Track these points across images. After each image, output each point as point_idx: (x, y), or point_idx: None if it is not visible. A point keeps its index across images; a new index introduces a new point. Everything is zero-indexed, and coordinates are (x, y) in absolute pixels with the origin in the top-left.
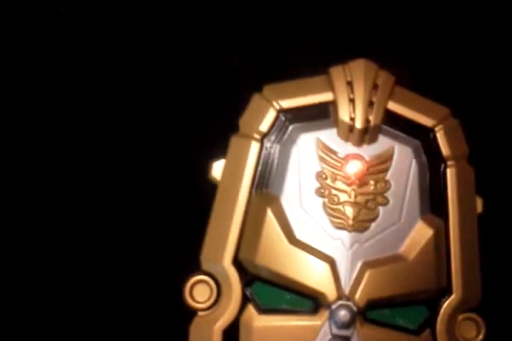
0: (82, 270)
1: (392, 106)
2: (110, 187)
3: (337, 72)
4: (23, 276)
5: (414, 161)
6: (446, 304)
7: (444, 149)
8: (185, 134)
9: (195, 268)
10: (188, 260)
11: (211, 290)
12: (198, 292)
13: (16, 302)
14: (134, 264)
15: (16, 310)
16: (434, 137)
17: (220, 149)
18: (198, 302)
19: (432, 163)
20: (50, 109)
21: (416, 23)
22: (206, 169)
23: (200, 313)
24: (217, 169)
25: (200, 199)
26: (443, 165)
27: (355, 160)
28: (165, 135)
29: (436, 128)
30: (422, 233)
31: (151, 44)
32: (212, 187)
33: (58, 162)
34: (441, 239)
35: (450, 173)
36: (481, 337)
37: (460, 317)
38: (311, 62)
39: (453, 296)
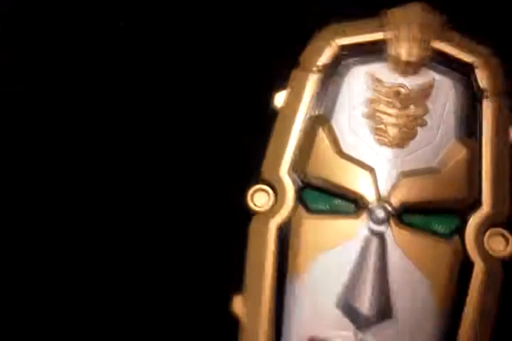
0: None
1: (437, 44)
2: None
3: (392, 14)
4: (53, 273)
5: (453, 90)
6: (476, 215)
7: (482, 82)
8: (253, 72)
9: (257, 178)
10: (252, 171)
11: (269, 196)
12: (258, 198)
13: (37, 299)
14: (208, 176)
15: (36, 307)
16: (473, 71)
17: (282, 82)
18: (258, 206)
19: (469, 94)
20: (107, 113)
21: None
22: (270, 99)
23: (256, 215)
24: (279, 99)
25: (263, 125)
26: (480, 97)
27: (399, 88)
28: (235, 71)
29: (476, 64)
30: (455, 151)
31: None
32: (274, 114)
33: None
34: (473, 157)
35: (486, 104)
36: (509, 249)
37: (489, 230)
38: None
39: (482, 208)
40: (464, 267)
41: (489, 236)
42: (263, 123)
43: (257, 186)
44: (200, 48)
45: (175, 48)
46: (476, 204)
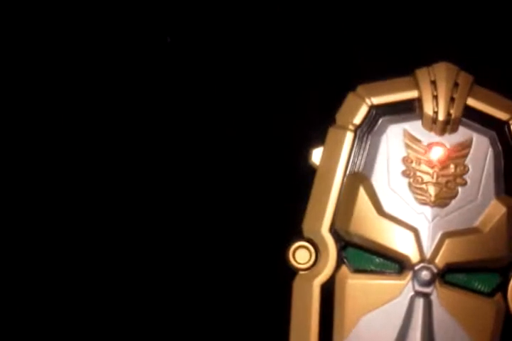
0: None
1: (471, 101)
2: (220, 169)
3: (422, 73)
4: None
5: (490, 149)
6: None
7: None
8: (290, 128)
9: (298, 235)
10: (292, 229)
11: (310, 253)
12: (300, 255)
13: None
14: (251, 232)
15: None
16: (509, 129)
17: (318, 140)
18: (299, 263)
19: (506, 151)
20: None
21: (490, 25)
22: (307, 156)
23: (301, 272)
24: (316, 155)
25: (301, 181)
26: None
27: (437, 147)
28: (273, 127)
29: (511, 122)
30: (496, 210)
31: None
32: (311, 171)
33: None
34: None
35: None
36: None
37: None
38: (395, 66)
39: None
40: (506, 324)
41: None
42: (301, 179)
43: (299, 243)
44: (241, 104)
45: (214, 104)
46: None
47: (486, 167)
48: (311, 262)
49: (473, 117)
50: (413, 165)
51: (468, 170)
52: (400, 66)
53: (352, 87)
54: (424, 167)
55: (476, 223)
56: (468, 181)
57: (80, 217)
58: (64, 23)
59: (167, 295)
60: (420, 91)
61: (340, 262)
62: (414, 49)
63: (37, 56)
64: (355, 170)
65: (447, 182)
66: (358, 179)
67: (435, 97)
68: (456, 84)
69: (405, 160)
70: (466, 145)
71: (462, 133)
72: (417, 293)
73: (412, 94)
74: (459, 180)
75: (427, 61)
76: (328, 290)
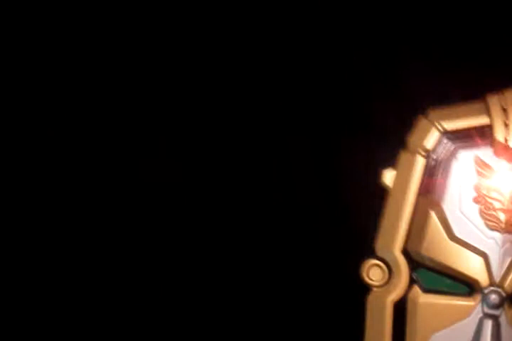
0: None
1: None
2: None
3: (493, 99)
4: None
5: None
6: None
7: None
8: (362, 151)
9: (371, 254)
10: (365, 248)
11: (383, 272)
12: (373, 273)
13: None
14: (324, 250)
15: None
16: None
17: (389, 161)
18: (373, 280)
19: None
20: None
21: None
22: (378, 178)
23: (374, 289)
24: (387, 176)
25: (373, 202)
26: None
27: (508, 174)
28: (346, 148)
29: None
30: None
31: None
32: (382, 191)
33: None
34: None
35: None
36: None
37: None
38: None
39: None
40: None
41: None
42: (373, 198)
43: (372, 261)
44: (317, 125)
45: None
46: None
47: None
48: (384, 280)
49: None
50: (483, 191)
51: None
52: (469, 89)
53: (422, 109)
54: (495, 194)
55: None
56: None
57: (94, 215)
58: (63, 24)
59: (237, 312)
60: (491, 118)
61: (411, 282)
62: (483, 72)
63: (40, 56)
64: (427, 194)
65: None
66: (430, 204)
67: (506, 125)
68: None
69: (476, 186)
70: None
71: None
72: (486, 315)
73: (483, 120)
74: None
75: (496, 85)
76: (400, 308)
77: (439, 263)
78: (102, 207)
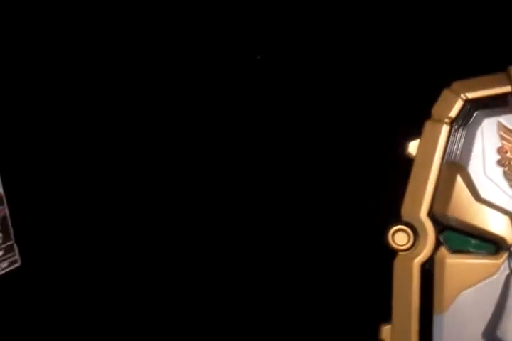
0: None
1: None
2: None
3: None
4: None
5: None
6: None
7: None
8: (390, 122)
9: (397, 220)
10: (392, 213)
11: (408, 236)
12: (398, 237)
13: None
14: (351, 217)
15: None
16: None
17: (415, 133)
18: (398, 245)
19: None
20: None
21: None
22: (404, 148)
23: (400, 253)
24: (412, 147)
25: (399, 170)
26: None
27: None
28: (374, 124)
29: None
30: None
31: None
32: (408, 161)
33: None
34: None
35: None
36: None
37: None
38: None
39: None
40: None
41: None
42: (399, 168)
43: (398, 227)
44: (343, 99)
45: (310, 96)
46: None
47: None
48: (409, 244)
49: None
50: (508, 154)
51: None
52: (491, 65)
53: (446, 85)
54: None
55: None
56: None
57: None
58: (62, 25)
59: (258, 269)
60: None
61: (438, 244)
62: (506, 48)
63: (40, 56)
64: (452, 160)
65: None
66: (455, 168)
67: None
68: None
69: (500, 150)
70: None
71: None
72: None
73: (506, 88)
74: None
75: None
76: (428, 270)
77: (466, 224)
78: (102, 207)
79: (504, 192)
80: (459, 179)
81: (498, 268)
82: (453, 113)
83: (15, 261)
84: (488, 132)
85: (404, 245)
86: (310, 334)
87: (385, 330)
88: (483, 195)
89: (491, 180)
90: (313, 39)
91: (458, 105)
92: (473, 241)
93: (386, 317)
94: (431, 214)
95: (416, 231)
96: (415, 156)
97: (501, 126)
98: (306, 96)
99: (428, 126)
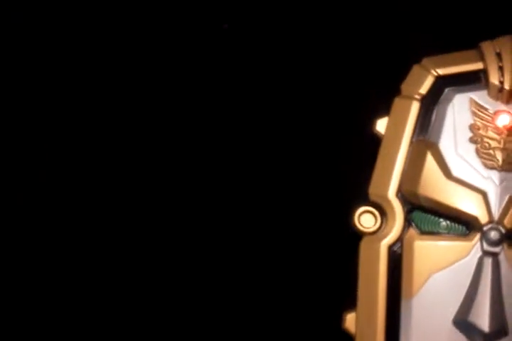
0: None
1: None
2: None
3: (486, 46)
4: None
5: None
6: None
7: None
8: (356, 99)
9: (364, 200)
10: (358, 194)
11: (375, 218)
12: (365, 219)
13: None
14: (315, 198)
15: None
16: None
17: (382, 110)
18: (365, 227)
19: None
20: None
21: None
22: (372, 125)
23: (367, 236)
24: (381, 125)
25: (366, 148)
26: None
27: (504, 114)
28: (340, 99)
29: None
30: None
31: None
32: (376, 139)
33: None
34: None
35: None
36: None
37: None
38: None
39: None
40: None
41: None
42: (365, 147)
43: (364, 208)
44: (307, 77)
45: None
46: None
47: None
48: (376, 226)
49: None
50: (480, 131)
51: None
52: (462, 41)
53: (416, 61)
54: (491, 133)
55: None
56: None
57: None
58: (62, 24)
59: (235, 259)
60: (485, 63)
61: (407, 225)
62: (476, 25)
63: (40, 56)
64: (422, 137)
65: None
66: (426, 145)
67: (500, 68)
68: None
69: (472, 127)
70: None
71: None
72: (486, 253)
73: (478, 65)
74: None
75: (489, 36)
76: (396, 251)
77: (436, 202)
78: (102, 207)
79: (476, 170)
80: (429, 157)
81: (469, 250)
82: (423, 89)
83: None
84: (459, 109)
85: (370, 227)
86: (268, 323)
87: (349, 318)
88: (454, 173)
89: (462, 157)
90: (285, 15)
91: (429, 81)
92: (444, 223)
93: (350, 304)
94: (399, 194)
95: (384, 213)
96: (384, 134)
97: (473, 103)
98: (270, 72)
99: (397, 102)
